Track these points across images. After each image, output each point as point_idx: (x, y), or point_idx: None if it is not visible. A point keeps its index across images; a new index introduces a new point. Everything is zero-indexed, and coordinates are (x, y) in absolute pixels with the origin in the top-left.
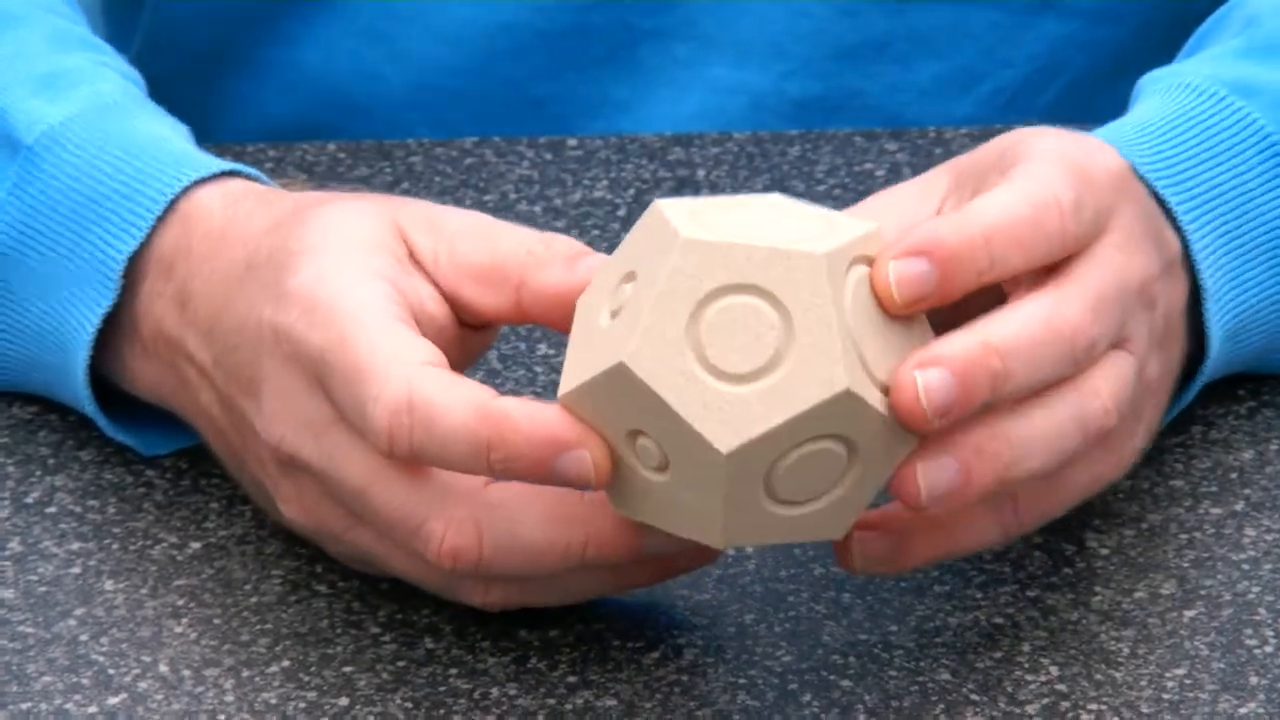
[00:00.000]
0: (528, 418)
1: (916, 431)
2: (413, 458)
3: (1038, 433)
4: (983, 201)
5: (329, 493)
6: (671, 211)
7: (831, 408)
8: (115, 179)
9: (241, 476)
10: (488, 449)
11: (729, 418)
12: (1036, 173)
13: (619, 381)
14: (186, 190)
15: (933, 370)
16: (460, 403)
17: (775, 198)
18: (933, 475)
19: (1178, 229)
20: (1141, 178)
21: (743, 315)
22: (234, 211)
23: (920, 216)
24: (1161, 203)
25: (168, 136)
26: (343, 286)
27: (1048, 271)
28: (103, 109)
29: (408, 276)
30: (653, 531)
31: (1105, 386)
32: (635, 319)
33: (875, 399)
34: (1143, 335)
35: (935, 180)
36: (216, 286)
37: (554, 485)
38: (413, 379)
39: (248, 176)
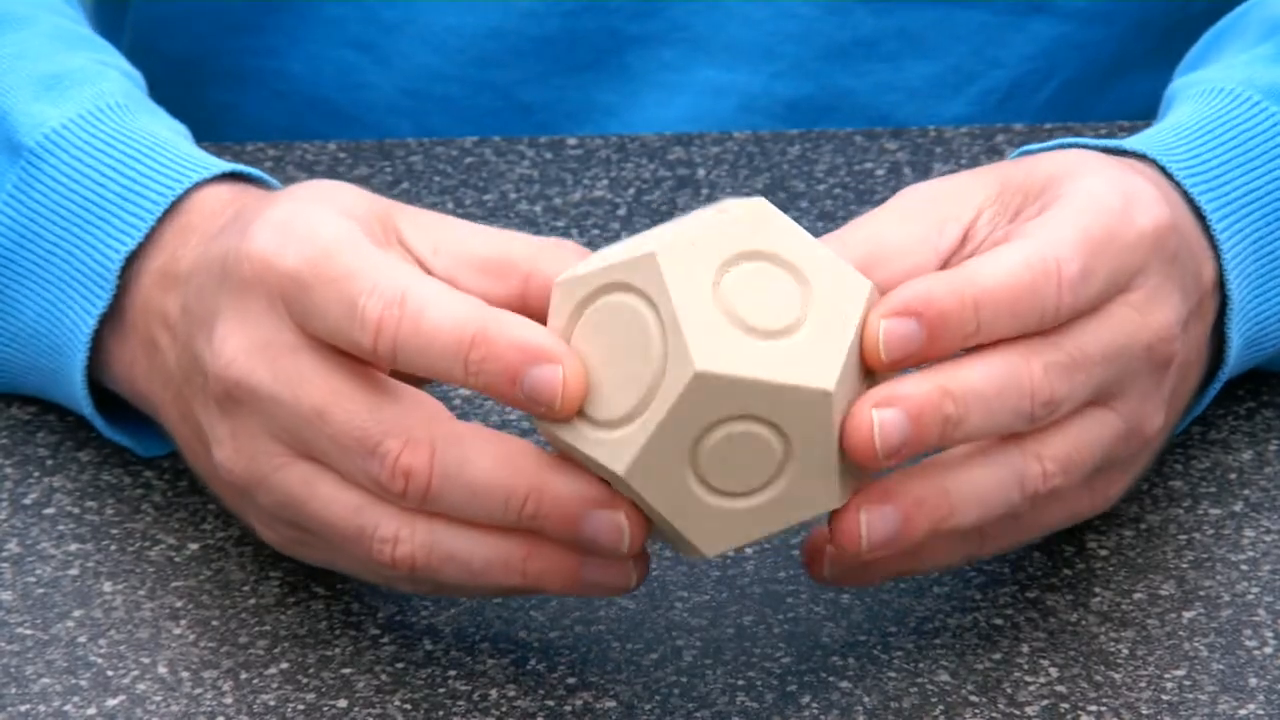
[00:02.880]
0: (517, 323)
1: (865, 468)
2: (393, 354)
3: (977, 488)
4: (983, 262)
5: (269, 426)
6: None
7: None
8: (116, 181)
9: (190, 443)
10: (470, 345)
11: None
12: (1052, 234)
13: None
14: (189, 192)
15: (889, 410)
16: (454, 301)
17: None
18: (874, 523)
19: (1212, 241)
20: (1178, 185)
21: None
22: (242, 198)
23: (951, 222)
24: (1196, 211)
25: (169, 138)
26: (318, 220)
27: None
28: (104, 110)
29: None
30: (593, 517)
31: (1051, 450)
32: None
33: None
34: (1140, 393)
35: (981, 182)
36: (202, 246)
37: (521, 401)
38: (410, 278)
39: (251, 178)
